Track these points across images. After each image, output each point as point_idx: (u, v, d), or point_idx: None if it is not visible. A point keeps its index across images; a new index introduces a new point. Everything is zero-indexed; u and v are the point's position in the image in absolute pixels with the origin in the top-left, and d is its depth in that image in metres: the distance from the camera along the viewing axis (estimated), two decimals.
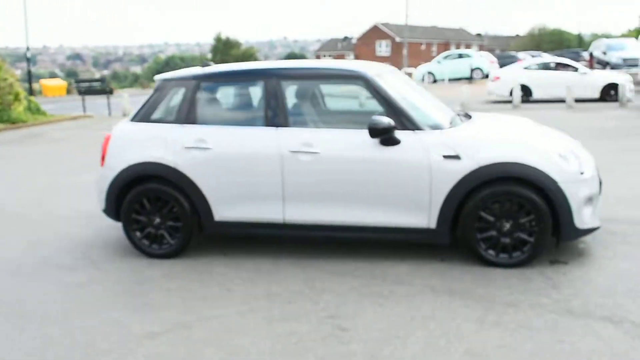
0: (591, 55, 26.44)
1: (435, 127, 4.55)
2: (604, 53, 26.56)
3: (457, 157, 4.37)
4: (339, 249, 5.00)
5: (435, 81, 29.70)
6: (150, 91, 5.21)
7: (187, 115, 4.85)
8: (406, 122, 4.49)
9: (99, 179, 5.08)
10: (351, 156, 4.52)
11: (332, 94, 5.44)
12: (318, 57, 73.08)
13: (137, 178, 4.88)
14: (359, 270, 4.57)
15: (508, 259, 4.45)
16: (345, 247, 5.03)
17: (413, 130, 4.48)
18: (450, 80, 28.94)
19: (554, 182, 4.29)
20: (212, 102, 4.97)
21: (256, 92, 4.91)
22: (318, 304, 3.99)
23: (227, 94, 5.07)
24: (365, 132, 4.52)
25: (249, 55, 65.69)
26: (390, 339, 3.47)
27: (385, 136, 4.39)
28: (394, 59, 61.93)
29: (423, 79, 29.53)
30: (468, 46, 70.05)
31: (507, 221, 4.40)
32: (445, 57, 30.94)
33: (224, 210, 4.77)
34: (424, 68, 30.76)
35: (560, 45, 65.89)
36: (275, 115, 4.67)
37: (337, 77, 4.87)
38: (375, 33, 64.79)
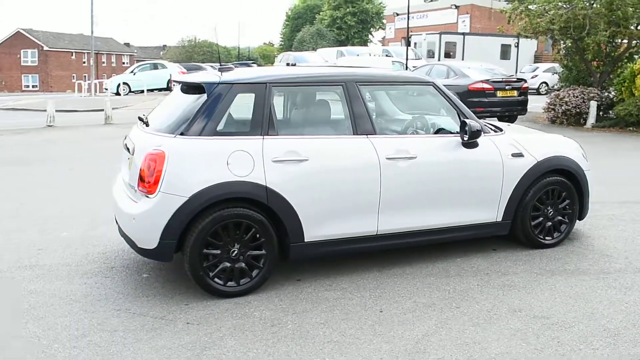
0: (287, 65, 29.71)
1: (489, 131, 5.25)
2: (294, 64, 30.09)
3: (521, 154, 5.17)
4: (383, 253, 5.21)
5: (131, 92, 29.00)
6: None
7: (265, 125, 4.41)
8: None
9: (152, 209, 4.17)
10: (444, 159, 4.88)
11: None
12: None
13: (216, 202, 4.23)
14: (448, 270, 4.94)
15: (552, 240, 5.45)
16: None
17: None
18: (148, 91, 28.63)
19: (583, 171, 5.49)
20: (287, 109, 4.63)
21: (336, 99, 4.77)
22: (480, 303, 4.29)
23: (301, 100, 4.77)
24: (445, 137, 4.97)
25: None
26: (588, 315, 4.09)
27: (476, 139, 4.90)
28: (43, 70, 57.08)
29: (118, 90, 28.55)
30: (119, 56, 69.20)
31: (552, 207, 5.40)
32: (140, 68, 30.45)
33: (316, 229, 4.52)
34: (118, 79, 29.82)
35: (211, 57, 70.65)
36: (362, 122, 4.67)
37: (410, 83, 5.13)
38: (19, 40, 58.07)
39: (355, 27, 64.70)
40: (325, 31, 62.16)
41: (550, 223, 5.43)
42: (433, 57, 34.39)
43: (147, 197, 4.21)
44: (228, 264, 4.33)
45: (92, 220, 6.47)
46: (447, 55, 35.02)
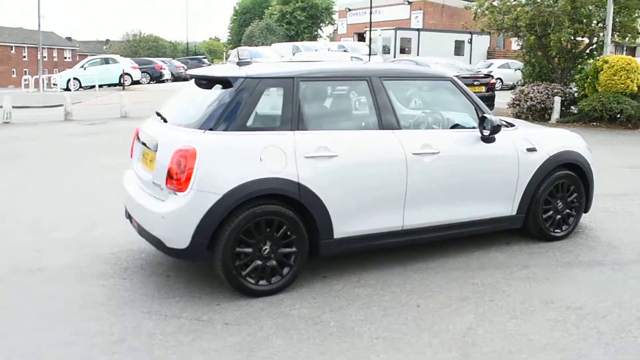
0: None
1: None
2: (250, 60, 29.89)
3: (534, 149, 5.30)
4: (402, 249, 5.25)
5: (81, 87, 28.17)
6: None
7: (295, 120, 4.38)
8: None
9: (183, 207, 4.06)
10: (465, 154, 4.95)
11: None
12: None
13: (249, 199, 4.17)
14: (470, 264, 5.02)
15: (561, 233, 5.62)
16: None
17: None
18: (100, 86, 27.87)
19: (589, 164, 5.67)
20: (315, 104, 4.59)
21: (361, 94, 4.76)
22: (511, 296, 4.38)
23: (327, 95, 4.73)
24: (465, 132, 5.05)
25: None
26: (618, 305, 4.24)
27: (496, 134, 4.99)
28: None
29: (68, 86, 27.69)
30: (61, 50, 67.11)
31: (561, 200, 5.56)
32: (90, 63, 29.58)
33: (345, 225, 4.52)
34: (67, 74, 28.95)
35: (157, 52, 69.28)
36: (388, 117, 4.69)
37: (430, 78, 5.18)
38: None
39: (305, 22, 64.63)
40: (275, 26, 61.90)
41: (559, 216, 5.59)
42: (388, 53, 34.77)
43: (177, 195, 4.11)
44: (259, 262, 4.28)
45: (87, 220, 6.27)
46: (402, 50, 35.48)
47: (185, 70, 41.19)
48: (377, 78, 4.73)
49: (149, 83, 32.84)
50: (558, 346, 3.65)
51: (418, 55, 34.24)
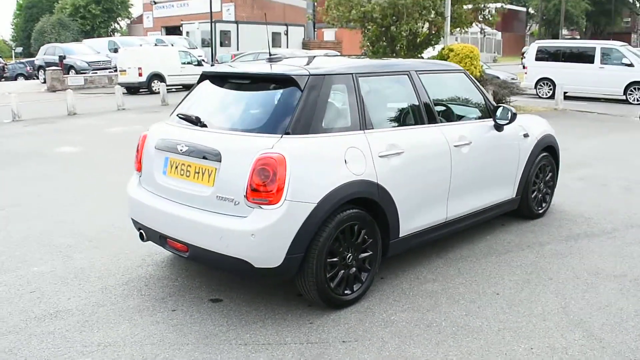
0: (61, 58, 26.86)
1: None
2: (64, 57, 27.40)
3: (527, 135, 5.68)
4: None
5: None
6: None
7: (362, 117, 4.18)
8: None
9: (278, 221, 3.66)
10: (487, 143, 5.15)
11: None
12: None
13: (340, 205, 3.90)
14: (494, 248, 5.26)
15: (542, 210, 6.11)
16: None
17: None
18: None
19: (558, 146, 6.22)
20: (372, 100, 4.38)
21: (405, 88, 4.64)
22: (561, 272, 4.69)
23: (380, 91, 4.53)
24: (484, 121, 5.25)
25: None
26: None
27: (512, 122, 5.24)
28: None
29: None
30: None
31: (541, 181, 6.04)
32: None
33: (408, 223, 4.45)
34: None
35: None
36: (430, 110, 4.70)
37: (447, 71, 5.23)
38: None
39: (100, 17, 60.68)
40: (68, 21, 57.10)
41: (540, 195, 6.05)
42: (208, 46, 34.08)
43: (265, 208, 3.69)
44: (343, 271, 4.05)
45: (54, 248, 5.40)
46: (222, 43, 35.02)
47: None
48: (415, 72, 4.70)
49: None
50: None
51: (238, 48, 34.16)
